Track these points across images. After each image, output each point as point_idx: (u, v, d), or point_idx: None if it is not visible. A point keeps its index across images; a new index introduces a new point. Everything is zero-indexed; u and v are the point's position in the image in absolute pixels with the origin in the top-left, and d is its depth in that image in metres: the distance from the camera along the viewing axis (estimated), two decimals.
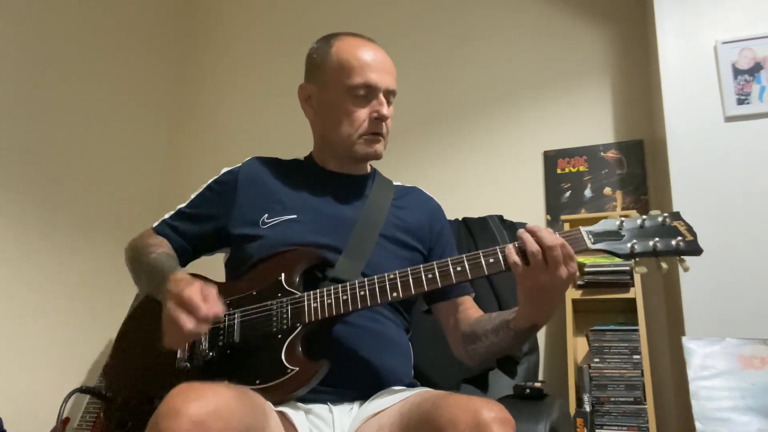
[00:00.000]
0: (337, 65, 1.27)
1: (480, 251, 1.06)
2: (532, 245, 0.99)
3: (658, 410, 2.03)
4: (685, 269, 1.02)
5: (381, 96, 1.26)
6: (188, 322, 0.98)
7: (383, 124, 1.27)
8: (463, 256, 1.06)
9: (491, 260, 1.04)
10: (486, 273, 1.05)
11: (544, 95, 2.71)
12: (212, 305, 1.00)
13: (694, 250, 1.02)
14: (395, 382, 1.16)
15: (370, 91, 1.25)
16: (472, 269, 1.05)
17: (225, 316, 1.13)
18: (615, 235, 1.04)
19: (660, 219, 1.05)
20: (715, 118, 2.09)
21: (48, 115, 2.64)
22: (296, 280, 1.13)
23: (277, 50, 3.31)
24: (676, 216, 1.06)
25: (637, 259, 1.04)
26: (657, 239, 1.02)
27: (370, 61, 1.26)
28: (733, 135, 2.05)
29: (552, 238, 0.99)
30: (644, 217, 1.06)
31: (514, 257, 1.00)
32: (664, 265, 1.04)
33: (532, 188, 2.61)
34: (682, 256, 1.03)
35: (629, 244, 1.03)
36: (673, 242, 1.02)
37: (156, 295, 1.14)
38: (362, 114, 1.25)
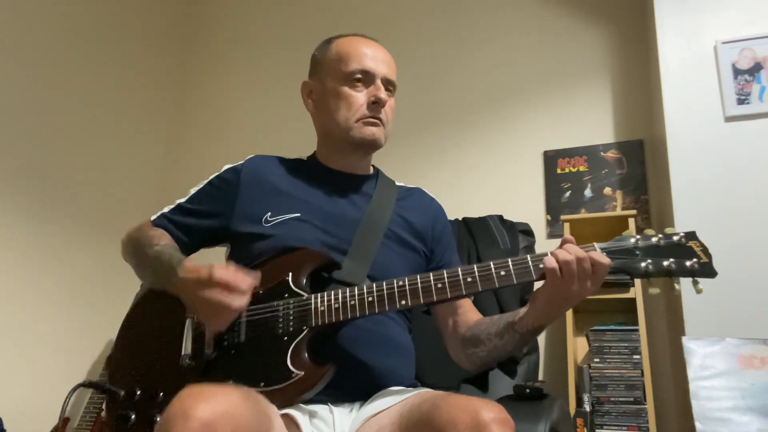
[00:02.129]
0: (336, 56, 1.29)
1: (491, 262, 1.04)
2: (566, 255, 0.99)
3: (658, 410, 2.03)
4: (699, 291, 1.00)
5: (378, 82, 1.27)
6: (234, 300, 1.01)
7: (382, 110, 1.27)
8: (474, 266, 1.05)
9: (502, 273, 1.03)
10: (497, 286, 1.03)
11: (544, 95, 2.71)
12: (245, 277, 1.03)
13: (709, 273, 1.00)
14: (396, 382, 1.16)
15: (367, 77, 1.26)
16: (482, 281, 1.03)
17: None
18: (629, 253, 1.02)
19: (675, 238, 1.02)
20: (715, 118, 2.09)
21: (48, 113, 2.64)
22: (303, 281, 1.12)
23: (277, 49, 3.31)
24: (692, 236, 1.03)
25: (650, 279, 1.02)
26: (672, 260, 1.00)
27: (368, 51, 1.28)
28: (733, 135, 2.05)
29: (582, 252, 1.00)
30: (660, 235, 1.03)
31: (553, 263, 0.99)
32: (677, 287, 1.01)
33: (532, 188, 2.61)
34: (696, 278, 1.01)
35: (644, 264, 1.01)
36: (688, 263, 1.00)
37: (164, 285, 1.14)
38: (360, 99, 1.26)
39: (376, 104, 1.26)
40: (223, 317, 1.03)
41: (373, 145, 1.29)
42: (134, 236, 1.28)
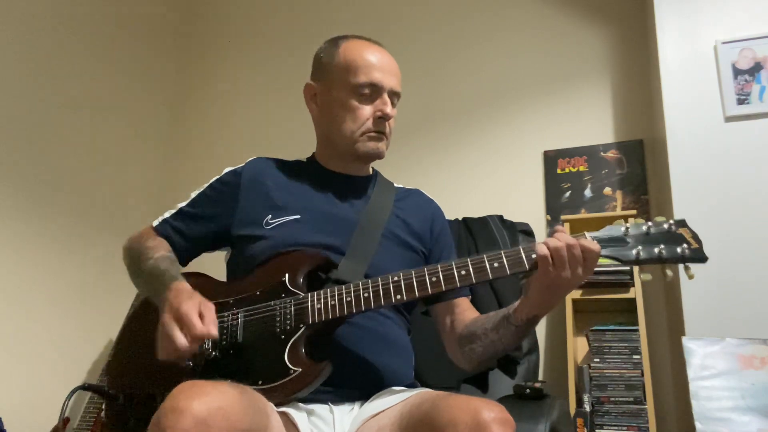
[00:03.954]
0: (343, 64, 1.28)
1: (484, 255, 1.05)
2: (556, 242, 1.00)
3: (658, 410, 2.03)
4: (690, 277, 1.01)
5: (385, 96, 1.27)
6: (181, 339, 0.98)
7: (386, 123, 1.28)
8: (468, 259, 1.06)
9: (495, 264, 1.04)
10: (490, 277, 1.04)
11: (544, 95, 2.71)
12: (208, 325, 1.00)
13: (700, 257, 1.02)
14: (396, 382, 1.16)
15: (374, 91, 1.26)
16: (476, 273, 1.04)
17: (228, 316, 1.13)
18: (620, 241, 1.04)
19: (665, 226, 1.04)
20: (715, 118, 2.09)
21: (48, 112, 2.64)
22: (300, 281, 1.13)
23: (278, 50, 3.31)
24: (682, 223, 1.05)
25: (642, 265, 1.03)
26: (662, 246, 1.02)
27: (376, 61, 1.27)
28: (733, 135, 2.05)
29: (573, 239, 1.01)
30: (650, 223, 1.05)
31: (545, 250, 1.00)
32: (669, 273, 1.03)
33: (532, 188, 2.61)
34: (687, 264, 1.02)
35: (634, 251, 1.02)
36: (679, 249, 1.01)
37: (155, 300, 1.14)
38: (366, 112, 1.26)
39: (381, 119, 1.26)
40: (166, 350, 1.01)
41: (375, 159, 1.32)
42: (133, 245, 1.28)
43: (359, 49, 1.29)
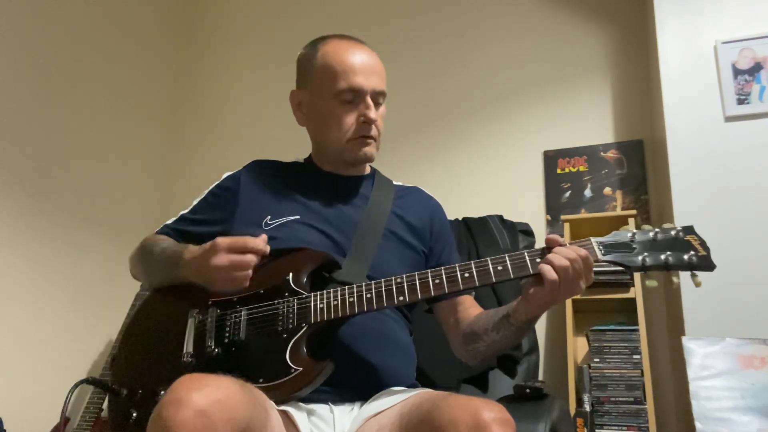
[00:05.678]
0: (322, 71, 1.27)
1: (489, 258, 1.05)
2: (562, 261, 0.99)
3: (658, 410, 2.03)
4: (697, 284, 1.00)
5: (368, 99, 1.25)
6: (245, 255, 1.06)
7: (372, 126, 1.27)
8: (471, 262, 1.06)
9: (499, 268, 1.04)
10: (494, 280, 1.04)
11: (544, 95, 2.71)
12: (248, 238, 1.09)
13: (708, 265, 1.00)
14: (396, 382, 1.16)
15: (356, 95, 1.25)
16: (479, 276, 1.04)
17: (231, 314, 1.13)
18: (626, 247, 1.03)
19: (673, 232, 1.03)
20: (715, 118, 2.09)
21: (48, 114, 2.64)
22: (304, 280, 1.14)
23: (277, 51, 3.31)
24: (690, 230, 1.04)
25: (647, 272, 1.02)
26: (669, 253, 1.01)
27: (356, 64, 1.25)
28: (733, 135, 2.05)
29: (573, 253, 0.99)
30: (657, 229, 1.04)
31: (553, 275, 0.98)
32: (675, 280, 1.02)
33: (532, 188, 2.61)
34: (694, 271, 1.01)
35: (640, 257, 1.01)
36: (686, 257, 1.00)
37: (173, 273, 1.17)
38: (350, 118, 1.25)
39: (366, 123, 1.26)
40: (238, 275, 1.07)
41: (365, 162, 1.32)
42: (140, 245, 1.31)
43: (337, 53, 1.27)
